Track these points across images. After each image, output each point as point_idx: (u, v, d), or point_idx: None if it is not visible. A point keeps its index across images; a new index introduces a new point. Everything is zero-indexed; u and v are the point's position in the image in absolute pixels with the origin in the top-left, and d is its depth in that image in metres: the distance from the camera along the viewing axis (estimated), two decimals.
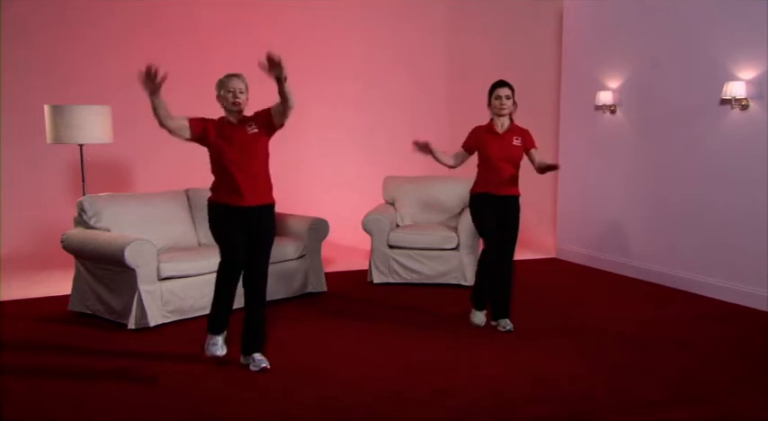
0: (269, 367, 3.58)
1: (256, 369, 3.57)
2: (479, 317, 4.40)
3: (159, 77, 3.36)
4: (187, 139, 3.55)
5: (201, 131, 3.53)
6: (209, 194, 3.68)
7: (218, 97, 3.60)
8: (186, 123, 3.50)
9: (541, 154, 4.29)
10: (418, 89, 7.82)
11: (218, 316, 3.68)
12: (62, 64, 6.55)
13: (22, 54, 6.42)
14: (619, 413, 3.09)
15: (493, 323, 4.38)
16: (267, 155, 3.64)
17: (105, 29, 6.66)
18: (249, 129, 3.56)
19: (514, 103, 4.22)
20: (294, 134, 7.61)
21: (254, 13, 7.10)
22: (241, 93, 3.55)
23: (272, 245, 3.68)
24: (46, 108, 5.36)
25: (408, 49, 7.74)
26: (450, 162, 4.31)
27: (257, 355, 3.62)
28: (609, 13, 6.17)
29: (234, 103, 3.53)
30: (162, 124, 3.44)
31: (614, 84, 6.12)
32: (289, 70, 7.34)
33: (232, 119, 3.59)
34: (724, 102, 5.03)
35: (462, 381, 3.47)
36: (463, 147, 4.33)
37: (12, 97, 6.40)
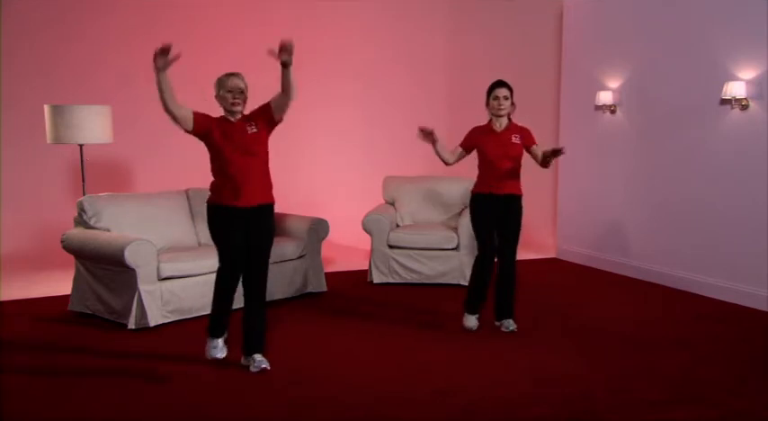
0: (269, 368, 3.58)
1: (256, 370, 3.56)
2: (471, 321, 4.36)
3: (171, 55, 3.31)
4: (187, 131, 3.47)
5: (205, 128, 3.48)
6: (209, 195, 3.67)
7: (217, 97, 3.57)
8: (190, 115, 3.44)
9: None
10: (418, 89, 7.82)
11: (218, 319, 3.68)
12: (62, 64, 6.55)
13: (23, 54, 6.42)
14: (619, 413, 3.09)
15: (496, 323, 4.37)
16: (267, 154, 3.63)
17: (105, 29, 6.66)
18: (249, 129, 3.55)
19: (513, 103, 4.21)
20: (294, 134, 7.63)
21: (254, 13, 7.11)
22: (240, 92, 3.53)
23: (272, 245, 3.68)
24: (46, 108, 5.36)
25: (408, 49, 7.74)
26: (448, 158, 4.32)
27: (257, 356, 3.61)
28: (609, 13, 6.17)
29: (233, 103, 3.51)
30: (166, 107, 3.34)
31: (614, 84, 6.12)
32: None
33: (231, 118, 3.57)
34: (724, 102, 5.03)
35: (462, 381, 3.47)
36: (461, 145, 4.34)
37: (12, 97, 6.41)
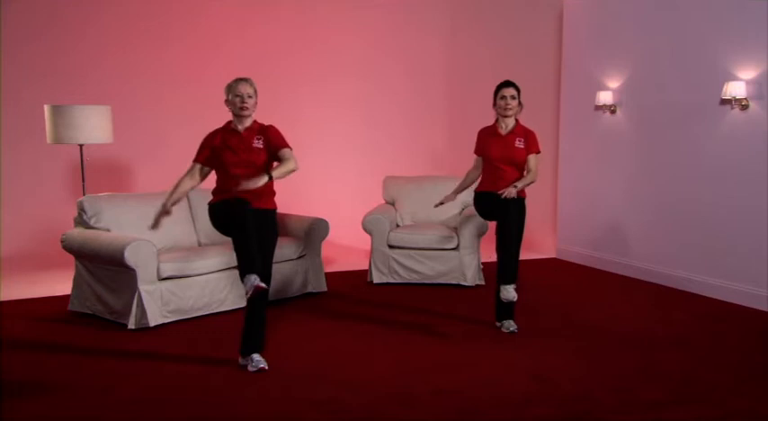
0: (267, 368, 3.57)
1: (254, 369, 3.55)
2: (509, 292, 4.03)
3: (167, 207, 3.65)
4: (208, 173, 3.73)
5: (209, 154, 3.64)
6: (210, 197, 3.68)
7: (227, 102, 3.64)
8: (196, 167, 3.68)
9: (541, 159, 4.27)
10: (418, 89, 7.82)
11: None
12: (62, 64, 6.55)
13: (22, 54, 6.42)
14: (619, 413, 3.09)
15: (497, 324, 4.37)
16: (270, 165, 3.66)
17: (105, 29, 6.66)
18: (256, 142, 3.59)
19: (520, 103, 4.18)
20: (294, 134, 7.60)
21: (254, 14, 7.11)
22: (249, 97, 3.57)
23: (275, 247, 3.68)
24: (46, 108, 5.36)
25: (408, 49, 7.74)
26: (474, 174, 4.42)
27: (256, 356, 3.61)
28: (609, 12, 6.17)
29: (242, 108, 3.56)
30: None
31: (614, 84, 6.12)
32: (289, 70, 7.39)
33: (239, 125, 3.62)
34: (724, 102, 5.03)
35: (462, 381, 3.47)
36: (476, 153, 4.36)
37: (12, 97, 6.40)
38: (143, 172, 6.81)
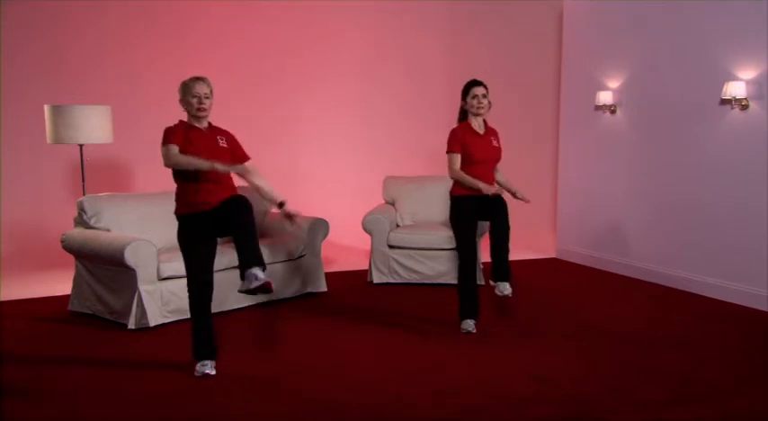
0: (273, 283, 3.31)
1: (258, 283, 3.20)
2: (469, 324, 4.27)
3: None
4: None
5: (182, 142, 3.41)
6: (176, 207, 3.55)
7: (182, 101, 3.50)
8: (176, 149, 3.36)
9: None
10: (418, 89, 7.82)
11: (203, 338, 3.55)
12: (62, 64, 6.55)
13: (22, 54, 6.42)
14: (619, 413, 3.09)
15: (491, 283, 4.16)
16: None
17: (105, 29, 6.66)
18: (220, 141, 3.53)
19: (489, 102, 4.20)
20: (294, 134, 7.63)
21: (254, 14, 7.10)
22: (206, 97, 3.47)
23: (253, 216, 3.42)
24: (46, 108, 5.36)
25: (408, 49, 7.74)
26: (461, 174, 4.15)
27: (256, 270, 3.24)
28: (609, 13, 6.17)
29: (199, 109, 3.46)
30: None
31: (614, 84, 6.12)
32: (289, 70, 7.39)
33: (197, 125, 3.51)
34: (724, 102, 5.03)
35: (462, 382, 3.47)
36: (454, 151, 4.16)
37: (12, 97, 6.40)
38: (143, 172, 6.81)
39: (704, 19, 5.20)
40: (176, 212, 3.56)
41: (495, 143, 4.23)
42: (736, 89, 4.87)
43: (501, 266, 4.09)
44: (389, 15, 7.63)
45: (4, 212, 6.44)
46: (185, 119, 3.55)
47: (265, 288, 3.22)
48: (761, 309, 4.82)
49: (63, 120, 5.26)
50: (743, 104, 4.90)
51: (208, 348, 3.58)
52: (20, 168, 6.51)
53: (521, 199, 4.27)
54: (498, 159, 4.26)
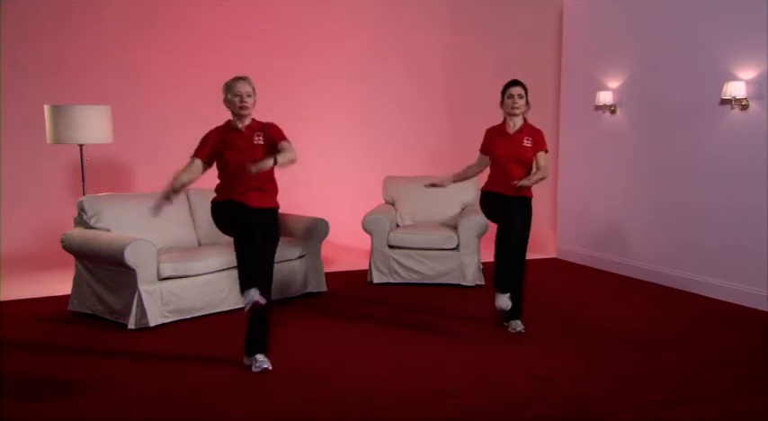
0: (270, 368, 3.57)
1: (258, 370, 3.55)
2: (503, 300, 4.05)
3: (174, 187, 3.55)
4: (206, 170, 3.69)
5: (210, 153, 3.64)
6: (211, 195, 3.71)
7: (225, 101, 3.64)
8: (196, 162, 3.63)
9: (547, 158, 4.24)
10: (418, 89, 7.82)
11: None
12: (62, 64, 6.54)
13: (23, 54, 6.41)
14: (619, 413, 3.09)
15: (505, 324, 4.34)
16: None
17: (105, 29, 6.66)
18: (257, 139, 3.61)
19: (527, 102, 4.15)
20: (294, 134, 7.60)
21: (254, 14, 7.10)
22: (248, 96, 3.57)
23: (277, 247, 3.67)
24: (46, 108, 5.36)
25: (408, 49, 7.74)
26: (472, 172, 4.36)
27: (260, 356, 3.60)
28: (609, 12, 6.17)
29: (241, 107, 3.57)
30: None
31: (614, 84, 6.12)
32: (289, 70, 7.37)
33: (239, 123, 3.63)
34: (724, 102, 5.03)
35: (462, 381, 3.47)
36: (481, 151, 4.31)
37: (12, 97, 6.40)
38: (143, 172, 6.81)
39: (704, 19, 5.20)
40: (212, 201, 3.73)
41: (526, 143, 4.12)
42: (736, 89, 4.87)
43: (513, 299, 4.11)
44: (389, 15, 7.63)
45: (4, 212, 6.44)
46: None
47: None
48: (761, 309, 4.82)
49: (63, 120, 5.26)
50: (743, 104, 4.90)
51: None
52: (20, 168, 6.51)
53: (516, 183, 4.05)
54: (524, 160, 4.12)
